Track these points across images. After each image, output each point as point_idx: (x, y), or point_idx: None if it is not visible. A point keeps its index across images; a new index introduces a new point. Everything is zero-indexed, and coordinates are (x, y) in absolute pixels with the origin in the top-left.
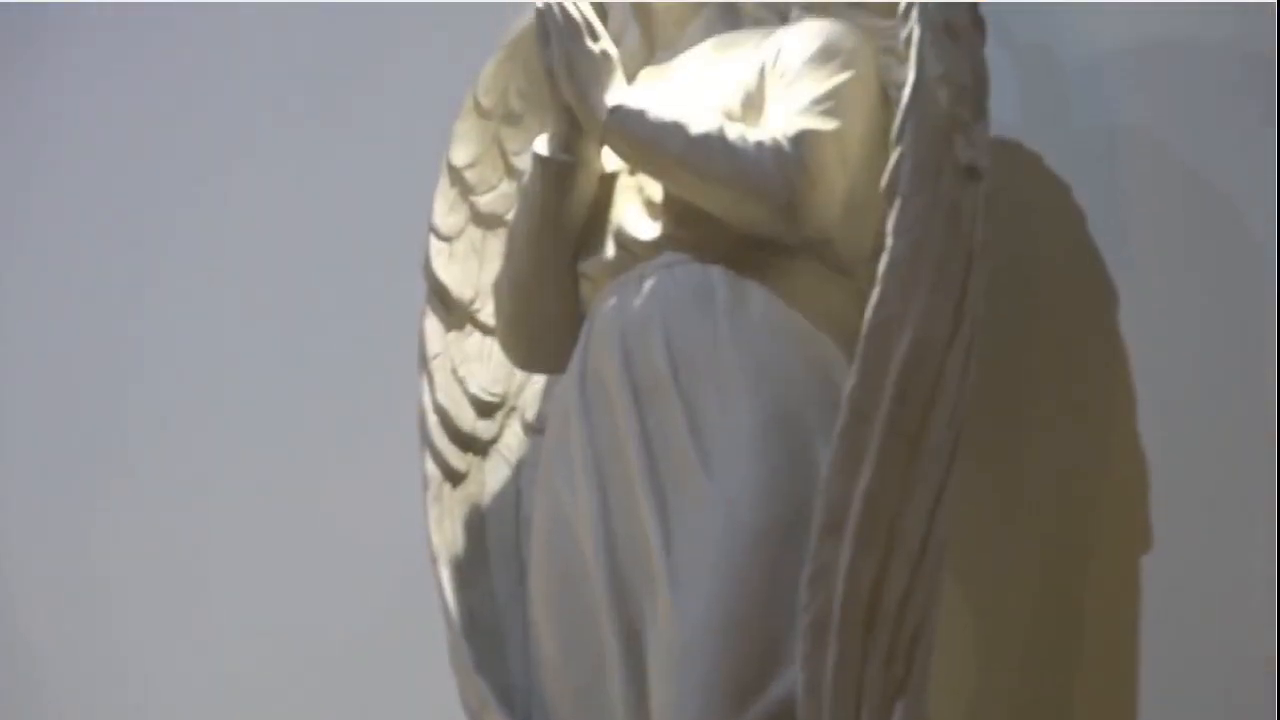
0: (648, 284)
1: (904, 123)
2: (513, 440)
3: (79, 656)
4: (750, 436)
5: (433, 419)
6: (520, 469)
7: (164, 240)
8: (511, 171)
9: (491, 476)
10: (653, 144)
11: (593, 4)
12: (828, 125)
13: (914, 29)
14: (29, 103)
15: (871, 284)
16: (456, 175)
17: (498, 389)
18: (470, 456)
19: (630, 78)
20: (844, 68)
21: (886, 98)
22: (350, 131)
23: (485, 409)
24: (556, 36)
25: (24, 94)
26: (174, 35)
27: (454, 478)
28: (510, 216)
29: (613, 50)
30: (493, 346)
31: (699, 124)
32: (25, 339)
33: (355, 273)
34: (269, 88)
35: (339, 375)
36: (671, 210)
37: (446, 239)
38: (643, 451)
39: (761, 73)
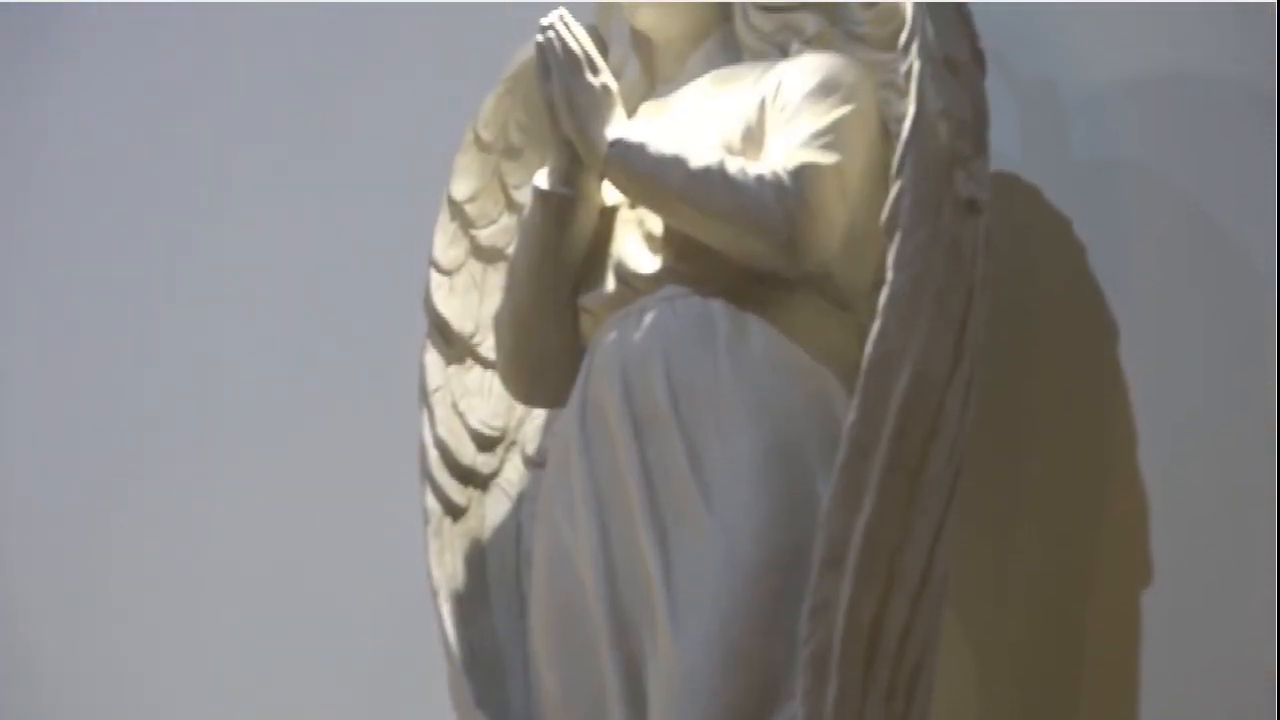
0: (648, 318)
1: (904, 157)
2: (513, 474)
3: (82, 678)
4: (751, 470)
5: (433, 453)
6: (521, 503)
7: (165, 273)
8: (512, 205)
9: (492, 511)
10: (653, 178)
11: (593, 38)
12: (828, 159)
13: (914, 63)
14: (33, 116)
15: (872, 318)
16: (457, 209)
17: (498, 423)
18: (471, 490)
19: (630, 111)
20: (844, 102)
21: (887, 132)
22: (350, 164)
23: (486, 443)
24: (557, 70)
25: (28, 106)
26: (171, 66)
27: (454, 512)
28: (511, 250)
29: (613, 84)
30: (493, 380)
31: (699, 158)
32: (22, 368)
33: (356, 306)
34: (269, 123)
35: (339, 409)
36: (672, 244)
37: (447, 273)
38: (643, 484)
39: (762, 106)
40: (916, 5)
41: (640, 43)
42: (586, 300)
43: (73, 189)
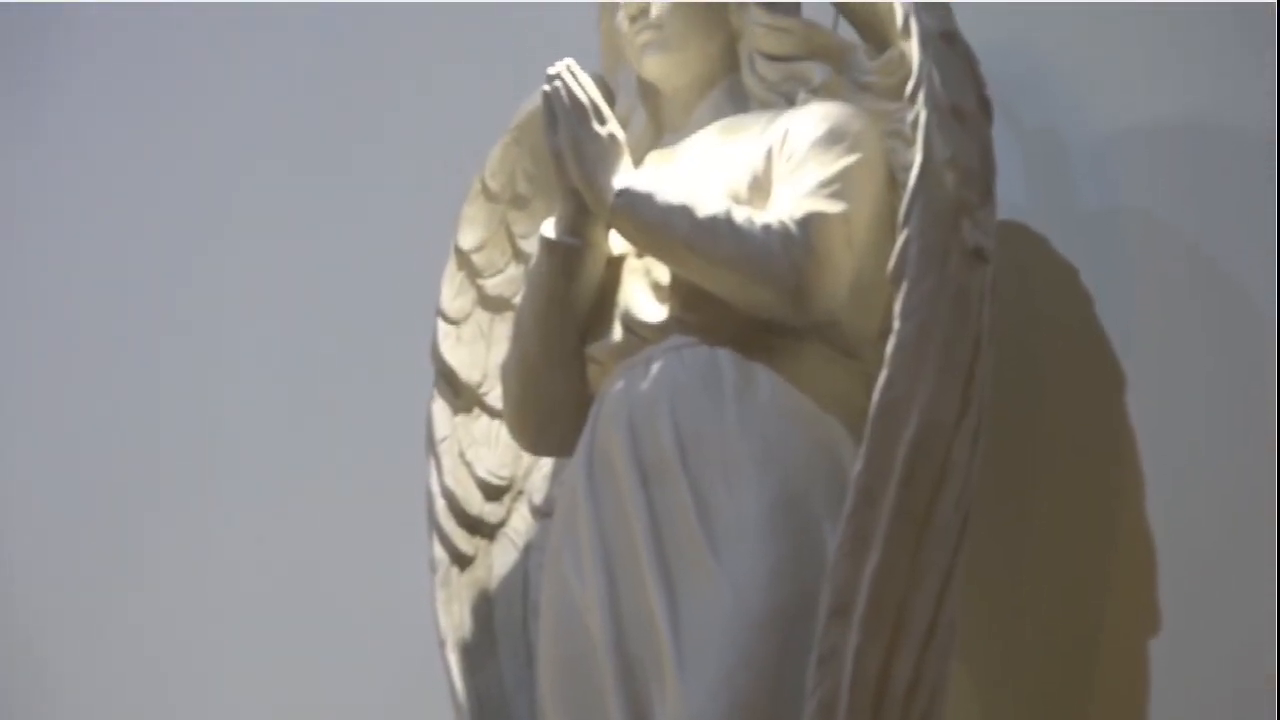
0: (655, 367)
1: (911, 205)
2: (520, 524)
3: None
4: (758, 518)
5: (440, 502)
6: (528, 553)
7: (172, 322)
8: (519, 255)
9: (499, 560)
10: (660, 227)
11: (600, 87)
12: (835, 208)
13: (921, 112)
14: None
15: (879, 366)
16: (464, 258)
17: (505, 472)
18: (478, 540)
19: (637, 160)
20: (851, 150)
21: (894, 180)
22: (357, 212)
23: (493, 492)
24: (564, 119)
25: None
26: (173, 103)
27: (461, 561)
28: (518, 300)
29: (620, 133)
30: (500, 430)
31: (706, 207)
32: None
33: (363, 355)
34: (275, 175)
35: (347, 458)
36: (679, 293)
37: (454, 322)
38: (650, 534)
39: (769, 155)
40: (923, 54)
41: (647, 92)
42: (594, 349)
43: (80, 219)
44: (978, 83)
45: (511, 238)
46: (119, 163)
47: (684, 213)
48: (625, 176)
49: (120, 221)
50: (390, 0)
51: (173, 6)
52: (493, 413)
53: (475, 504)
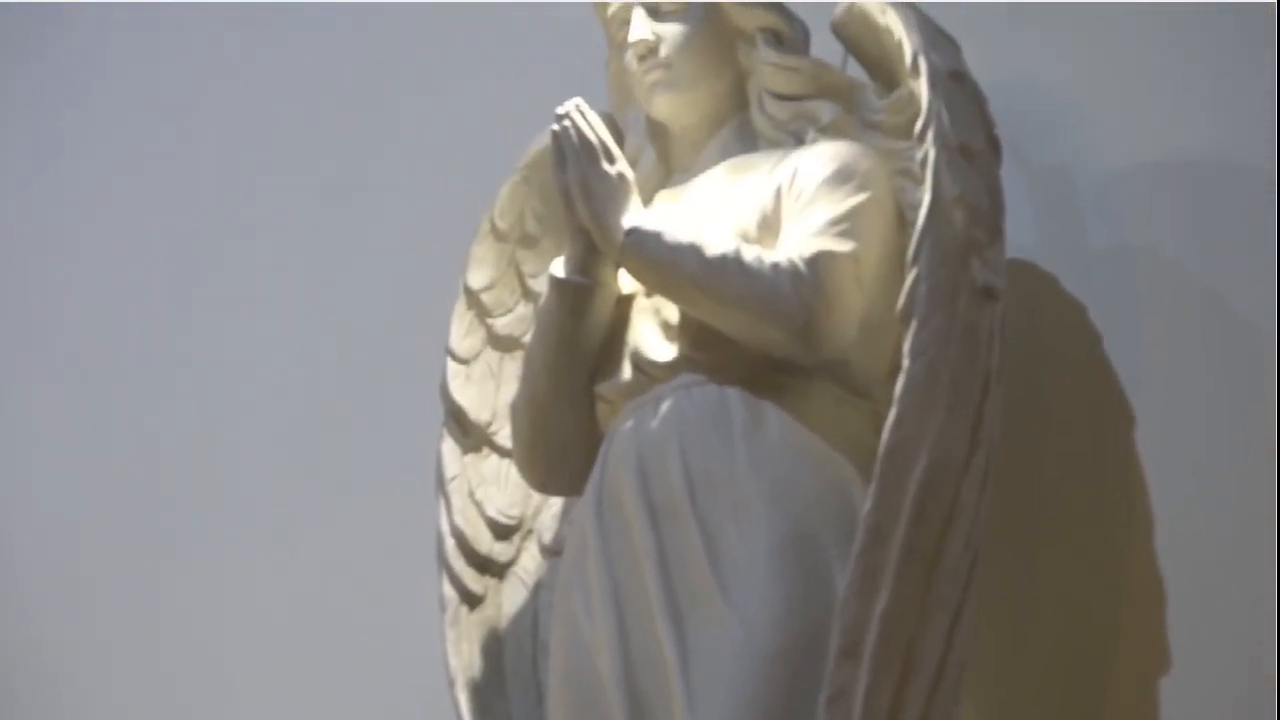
0: (665, 406)
1: (920, 244)
2: (530, 563)
3: None
4: (767, 558)
5: (450, 542)
6: (538, 592)
7: (179, 362)
8: (528, 294)
9: (509, 599)
10: (669, 266)
11: (608, 125)
12: (844, 247)
13: (930, 150)
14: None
15: (888, 405)
16: (473, 298)
17: (515, 511)
18: (488, 579)
19: (647, 200)
20: (860, 189)
21: (902, 219)
22: (366, 252)
23: (502, 531)
24: (572, 159)
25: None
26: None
27: (471, 600)
28: (527, 339)
29: (629, 172)
30: (510, 469)
31: (715, 246)
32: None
33: (372, 395)
34: (286, 215)
35: (356, 497)
36: (688, 332)
37: (463, 361)
38: (659, 572)
39: (777, 194)
40: (932, 93)
41: (656, 131)
42: (603, 388)
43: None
44: (986, 122)
45: (521, 277)
46: (129, 189)
47: (693, 252)
48: (634, 215)
49: (126, 266)
50: (407, 32)
51: (184, 29)
52: (502, 452)
53: (485, 543)
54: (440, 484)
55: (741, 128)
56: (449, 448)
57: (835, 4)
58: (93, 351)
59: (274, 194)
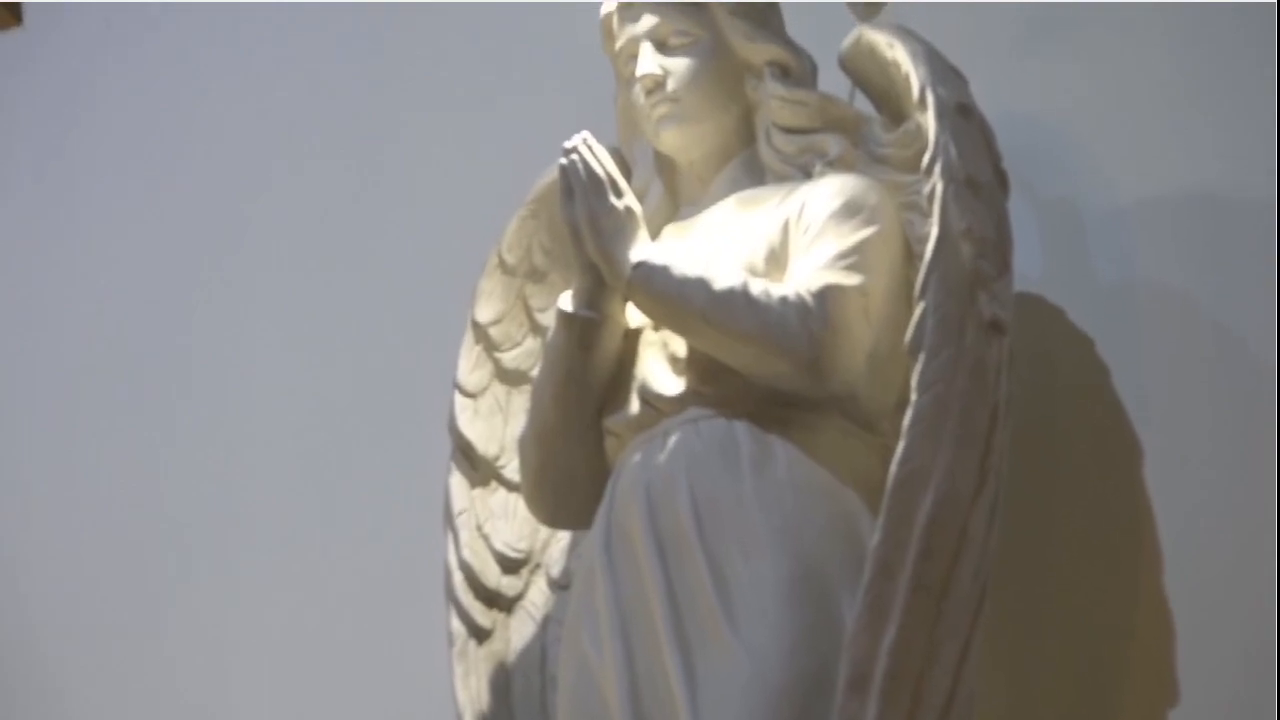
0: (672, 439)
1: (928, 278)
2: (538, 597)
3: None
4: (775, 591)
5: (458, 576)
6: (546, 625)
7: (188, 400)
8: (536, 328)
9: (517, 633)
10: (677, 300)
11: (616, 159)
12: (851, 280)
13: (937, 184)
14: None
15: (896, 439)
16: (481, 332)
17: (523, 545)
18: (495, 613)
19: (654, 233)
20: (867, 223)
21: (910, 252)
22: (374, 288)
23: (510, 565)
24: (580, 193)
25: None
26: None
27: (479, 634)
28: (535, 373)
29: (636, 206)
30: (518, 503)
31: (723, 280)
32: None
33: (381, 428)
34: (294, 244)
35: (364, 531)
36: (696, 366)
37: (471, 395)
38: (667, 606)
39: (785, 228)
40: (939, 127)
41: (664, 165)
42: (611, 422)
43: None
44: (994, 155)
45: (528, 311)
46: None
47: (700, 285)
48: (642, 249)
49: (134, 299)
50: (415, 68)
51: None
52: (510, 486)
53: (493, 577)
54: (448, 518)
55: (749, 161)
56: (457, 482)
57: (843, 37)
58: (94, 364)
59: (282, 229)
